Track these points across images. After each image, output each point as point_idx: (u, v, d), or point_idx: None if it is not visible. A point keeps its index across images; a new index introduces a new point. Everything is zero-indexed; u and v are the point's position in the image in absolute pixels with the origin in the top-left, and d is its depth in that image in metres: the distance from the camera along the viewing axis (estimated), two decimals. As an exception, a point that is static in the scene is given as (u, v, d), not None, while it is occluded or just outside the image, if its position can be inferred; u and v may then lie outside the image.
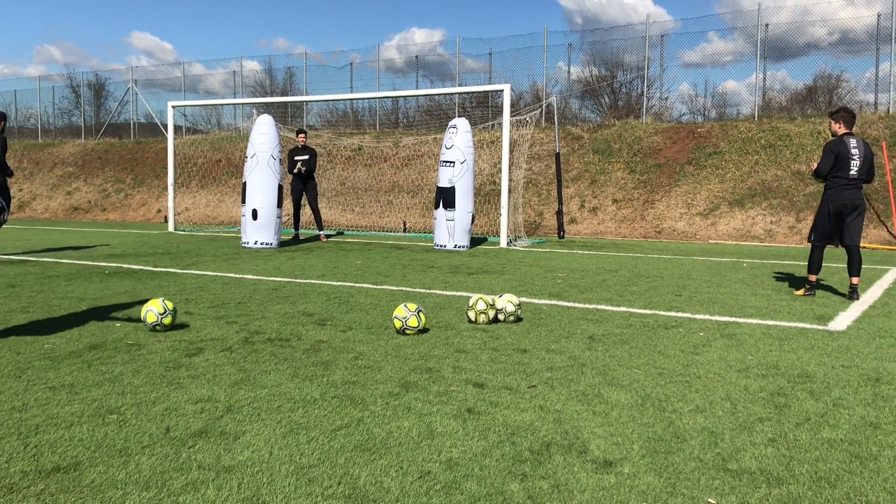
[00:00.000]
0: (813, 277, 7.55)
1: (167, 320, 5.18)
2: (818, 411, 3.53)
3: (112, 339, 4.92)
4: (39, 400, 3.52)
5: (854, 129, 9.51)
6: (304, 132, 14.66)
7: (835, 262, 10.68)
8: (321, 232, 14.87)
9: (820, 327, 5.73)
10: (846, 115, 7.35)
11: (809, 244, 7.66)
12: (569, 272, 9.37)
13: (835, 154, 7.22)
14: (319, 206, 14.77)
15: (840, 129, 7.36)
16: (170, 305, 5.22)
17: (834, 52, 20.84)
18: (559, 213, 16.60)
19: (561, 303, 6.77)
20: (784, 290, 7.88)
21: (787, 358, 4.64)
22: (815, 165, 7.37)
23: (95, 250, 11.99)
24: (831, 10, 19.92)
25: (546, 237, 16.55)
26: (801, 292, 7.57)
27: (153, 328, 5.18)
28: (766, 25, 19.65)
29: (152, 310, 5.17)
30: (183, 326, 5.40)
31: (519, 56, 23.65)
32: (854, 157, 7.19)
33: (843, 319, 6.09)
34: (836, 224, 7.36)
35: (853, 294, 7.22)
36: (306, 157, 14.25)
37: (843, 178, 7.22)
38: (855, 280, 7.26)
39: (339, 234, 17.58)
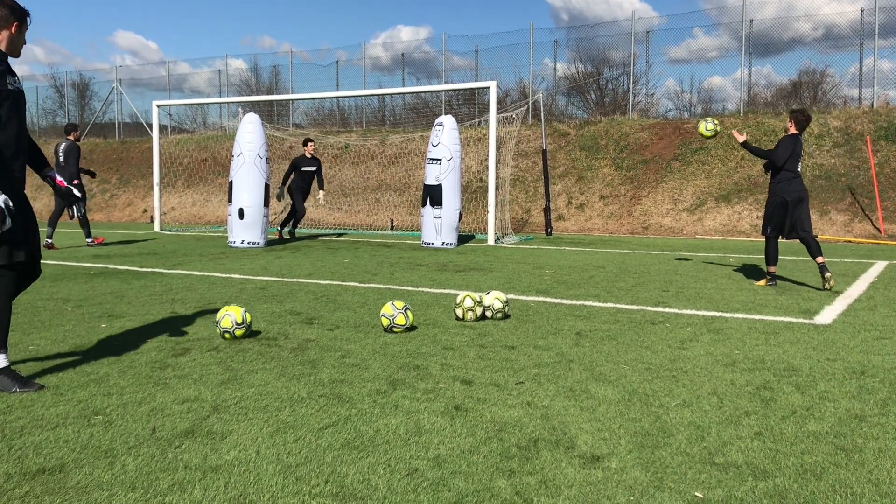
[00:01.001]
0: (772, 269, 7.87)
1: (239, 332, 4.92)
2: (804, 404, 3.55)
3: (98, 340, 4.89)
4: (24, 401, 3.49)
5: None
6: (312, 140, 14.64)
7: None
8: (285, 229, 15.05)
9: (806, 321, 5.76)
10: (801, 118, 7.77)
11: (764, 237, 8.01)
12: (556, 269, 9.38)
13: (792, 148, 7.64)
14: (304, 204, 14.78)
15: (792, 128, 7.78)
16: (248, 318, 4.98)
17: (818, 48, 21.06)
18: (546, 210, 16.63)
19: (548, 299, 6.78)
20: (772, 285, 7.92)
21: (773, 352, 4.67)
22: (774, 156, 7.70)
23: (80, 251, 11.92)
24: (815, 6, 20.07)
25: (533, 234, 16.58)
26: (762, 283, 7.88)
27: (223, 334, 4.92)
28: (751, 21, 19.74)
29: (231, 315, 4.91)
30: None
31: (505, 53, 23.71)
32: (801, 156, 7.76)
33: (829, 313, 6.13)
34: (783, 215, 7.71)
35: (823, 270, 7.49)
36: (313, 168, 14.34)
37: (792, 172, 7.66)
38: (820, 259, 7.54)
39: (340, 234, 17.53)
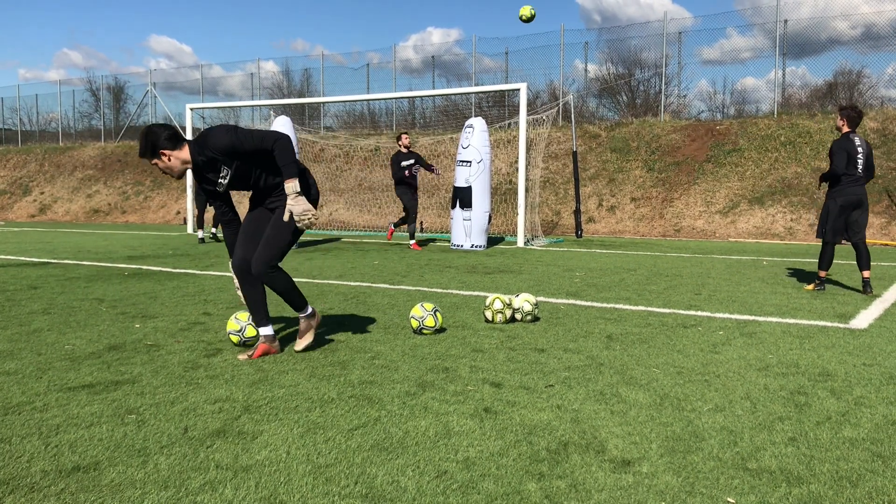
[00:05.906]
0: (823, 273, 7.64)
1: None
2: (839, 410, 3.49)
3: (131, 340, 4.96)
4: (60, 400, 3.55)
5: (880, 126, 9.50)
6: (406, 133, 13.40)
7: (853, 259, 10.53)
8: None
9: (841, 325, 5.66)
10: (853, 114, 7.46)
11: (820, 240, 7.78)
12: (586, 271, 9.33)
13: (846, 151, 7.34)
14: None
15: (844, 126, 7.51)
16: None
17: (856, 48, 20.63)
18: (577, 212, 16.55)
19: (578, 302, 6.74)
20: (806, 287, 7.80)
21: (807, 356, 4.60)
22: (829, 167, 7.42)
23: (115, 252, 12.10)
24: (853, 5, 19.70)
25: (563, 236, 16.50)
26: (811, 287, 7.70)
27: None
28: (786, 21, 19.48)
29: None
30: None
31: (535, 55, 23.66)
32: (859, 155, 7.37)
33: (865, 317, 6.02)
34: (840, 219, 7.48)
35: (866, 287, 7.33)
36: (412, 161, 13.15)
37: (850, 176, 7.36)
38: (866, 273, 7.37)
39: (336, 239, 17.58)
